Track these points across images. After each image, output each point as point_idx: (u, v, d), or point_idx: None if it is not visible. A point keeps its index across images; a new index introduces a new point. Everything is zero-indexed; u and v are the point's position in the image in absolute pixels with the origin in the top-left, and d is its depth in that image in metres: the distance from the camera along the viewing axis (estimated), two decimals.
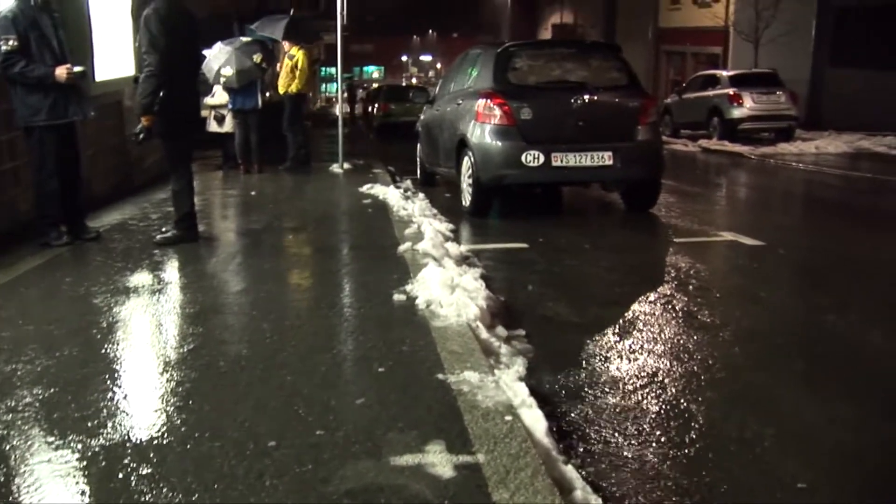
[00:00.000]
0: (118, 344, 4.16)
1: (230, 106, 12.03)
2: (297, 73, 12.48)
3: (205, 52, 11.89)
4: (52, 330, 4.38)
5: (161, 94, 6.19)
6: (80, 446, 2.94)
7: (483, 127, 8.49)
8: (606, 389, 3.87)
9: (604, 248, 7.40)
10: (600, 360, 4.31)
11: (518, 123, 8.35)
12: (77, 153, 6.81)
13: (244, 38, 12.17)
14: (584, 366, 4.20)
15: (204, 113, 12.83)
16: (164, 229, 6.91)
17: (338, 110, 13.09)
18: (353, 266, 6.04)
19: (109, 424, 3.13)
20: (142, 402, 3.38)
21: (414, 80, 72.02)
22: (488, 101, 8.47)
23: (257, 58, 11.49)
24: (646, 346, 4.51)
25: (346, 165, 12.65)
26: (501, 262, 6.67)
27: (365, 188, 9.98)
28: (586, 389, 3.86)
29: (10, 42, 6.12)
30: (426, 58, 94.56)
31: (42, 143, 6.41)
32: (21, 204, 7.19)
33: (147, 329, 4.50)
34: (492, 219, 8.81)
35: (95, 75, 8.81)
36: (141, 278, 5.57)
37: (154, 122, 6.28)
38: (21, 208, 7.18)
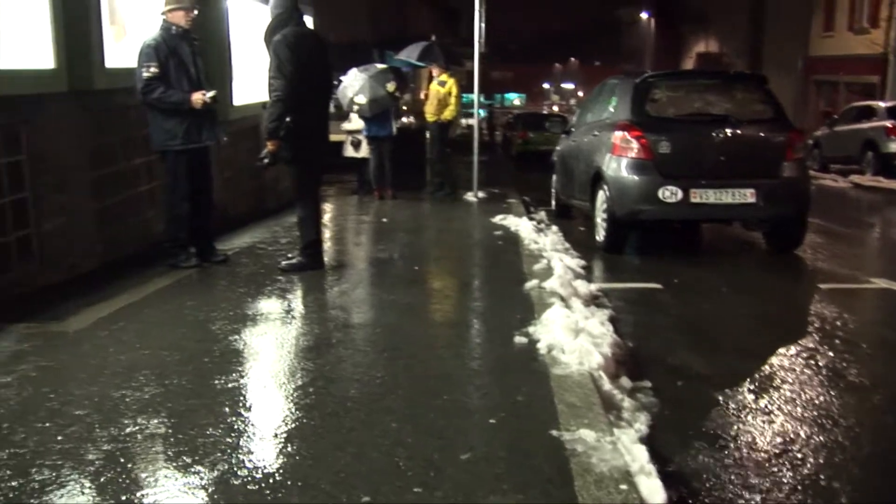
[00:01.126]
0: (227, 376, 4.09)
1: (364, 132, 12.15)
2: (452, 99, 12.46)
3: (341, 78, 12.17)
4: (166, 356, 4.38)
5: (288, 119, 6.24)
6: (167, 485, 2.87)
7: (619, 160, 8.21)
8: (736, 456, 3.52)
9: (742, 291, 6.96)
10: (731, 420, 3.95)
11: (655, 157, 8.02)
12: (209, 177, 6.96)
13: (380, 66, 12.25)
14: (712, 426, 3.86)
15: (340, 138, 13.08)
16: (289, 255, 6.94)
17: (474, 138, 13.01)
18: (477, 303, 5.84)
19: (202, 465, 3.03)
20: (239, 443, 3.27)
21: (555, 108, 71.75)
22: (625, 133, 8.19)
23: (391, 86, 11.54)
24: (783, 406, 4.12)
25: (480, 194, 12.55)
26: (632, 304, 6.36)
27: (497, 219, 9.83)
28: (713, 454, 3.53)
29: (151, 69, 6.30)
30: (568, 85, 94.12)
31: (175, 166, 6.56)
32: (156, 225, 7.38)
33: (259, 361, 4.43)
34: (626, 255, 8.49)
35: (234, 100, 9.06)
36: (261, 306, 5.56)
37: (280, 147, 6.34)
38: (156, 229, 7.37)
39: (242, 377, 4.12)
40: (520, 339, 4.63)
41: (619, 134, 8.25)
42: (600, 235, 8.66)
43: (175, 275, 6.49)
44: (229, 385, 3.98)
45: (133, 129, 7.00)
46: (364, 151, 12.42)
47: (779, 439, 3.71)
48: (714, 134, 8.03)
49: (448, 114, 12.57)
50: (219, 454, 3.15)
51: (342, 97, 11.70)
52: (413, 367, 4.22)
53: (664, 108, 8.43)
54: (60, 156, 6.29)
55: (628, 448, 3.13)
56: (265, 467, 3.03)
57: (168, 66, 6.38)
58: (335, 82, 9.80)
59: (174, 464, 3.06)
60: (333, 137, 14.48)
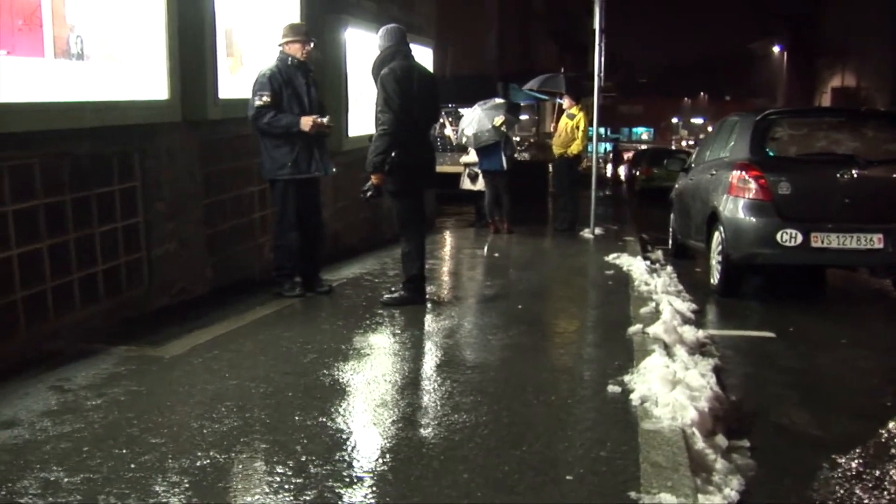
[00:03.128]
0: (307, 412, 4.05)
1: (479, 166, 12.17)
2: (579, 133, 12.29)
3: (462, 111, 12.28)
4: (251, 388, 4.38)
5: (393, 154, 6.23)
6: None
7: (736, 201, 7.84)
8: None
9: (865, 345, 6.47)
10: (837, 491, 3.63)
11: (775, 198, 7.62)
12: (318, 208, 7.01)
13: (498, 100, 12.22)
14: (814, 497, 3.56)
15: (458, 170, 13.23)
16: (392, 289, 6.92)
17: (592, 173, 12.77)
18: (575, 345, 5.64)
19: None
20: (304, 485, 3.21)
21: (683, 143, 70.34)
22: (743, 172, 7.83)
23: (497, 121, 11.44)
24: None
25: (597, 230, 12.27)
26: (741, 353, 6.02)
27: (611, 257, 9.55)
28: None
29: (264, 98, 6.40)
30: (697, 120, 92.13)
31: (284, 195, 6.64)
32: (267, 252, 7.50)
33: (341, 398, 4.35)
34: (741, 300, 8.09)
35: (349, 131, 9.19)
36: (356, 340, 5.52)
37: (384, 180, 6.32)
38: (266, 257, 7.49)
39: (322, 415, 4.06)
40: (613, 389, 4.42)
41: (736, 173, 7.90)
42: (714, 278, 8.30)
43: (278, 304, 6.56)
44: (308, 422, 3.93)
45: (245, 157, 7.16)
46: (481, 184, 12.41)
47: None
48: (839, 175, 7.57)
49: (575, 147, 12.37)
50: (282, 495, 3.08)
51: (459, 129, 11.79)
52: (498, 414, 4.08)
53: (786, 146, 8.02)
54: (173, 183, 6.46)
55: None
56: None
57: (282, 95, 6.48)
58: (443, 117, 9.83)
59: (238, 501, 3.00)
60: (450, 169, 14.83)
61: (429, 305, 6.70)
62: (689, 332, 5.95)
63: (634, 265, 8.91)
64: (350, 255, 9.06)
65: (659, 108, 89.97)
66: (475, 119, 11.65)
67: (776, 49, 53.37)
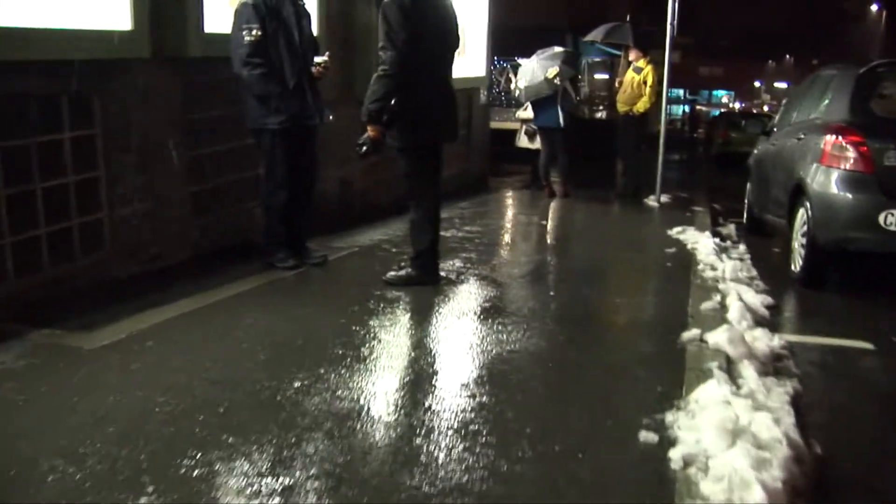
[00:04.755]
0: (203, 453, 2.92)
1: (533, 123, 11.05)
2: (647, 89, 10.94)
3: (521, 60, 11.11)
4: (156, 405, 3.29)
5: (394, 100, 5.03)
6: None
7: (829, 172, 6.42)
8: None
9: None
10: None
11: (878, 171, 6.17)
12: (313, 163, 5.89)
13: (557, 49, 10.88)
14: None
15: (515, 126, 12.32)
16: (401, 264, 5.74)
17: (661, 135, 11.31)
18: (608, 358, 4.28)
19: None
20: None
21: (766, 108, 67.56)
22: (839, 137, 6.39)
23: (551, 72, 10.21)
24: None
25: (664, 198, 10.87)
26: (830, 373, 4.67)
27: (675, 231, 8.20)
28: None
29: (254, 31, 5.33)
30: (781, 84, 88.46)
31: (272, 148, 5.58)
32: (259, 216, 6.41)
33: (262, 434, 3.20)
34: (828, 293, 6.69)
35: None
36: (326, 336, 4.33)
37: (382, 132, 5.14)
38: (260, 221, 6.40)
39: (221, 462, 2.87)
40: (647, 437, 3.11)
41: (831, 138, 6.46)
42: (796, 264, 6.92)
43: (262, 277, 5.53)
44: (196, 471, 2.77)
45: (241, 104, 6.00)
46: (538, 143, 11.27)
47: None
48: None
49: (641, 105, 11.05)
50: None
51: (514, 81, 10.98)
52: (468, 476, 2.84)
53: (895, 107, 6.55)
54: (145, 131, 5.42)
55: None
56: None
57: (266, 29, 5.36)
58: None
59: None
60: (506, 126, 13.60)
61: (441, 287, 5.52)
62: (762, 340, 4.66)
63: (701, 242, 7.58)
64: (375, 217, 7.95)
65: (740, 70, 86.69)
66: (529, 70, 10.60)
67: (874, 7, 50.17)
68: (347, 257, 6.40)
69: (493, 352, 4.21)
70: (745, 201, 10.02)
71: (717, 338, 4.32)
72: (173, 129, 5.67)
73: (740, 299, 5.46)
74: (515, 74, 11.28)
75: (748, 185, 9.86)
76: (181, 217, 5.84)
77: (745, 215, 10.06)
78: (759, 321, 5.27)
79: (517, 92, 10.84)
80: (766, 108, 66.71)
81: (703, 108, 56.15)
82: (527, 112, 11.31)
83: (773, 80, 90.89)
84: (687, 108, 47.49)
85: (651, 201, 10.80)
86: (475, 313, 4.97)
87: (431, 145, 5.46)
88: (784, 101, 9.98)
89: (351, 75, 7.91)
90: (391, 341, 4.37)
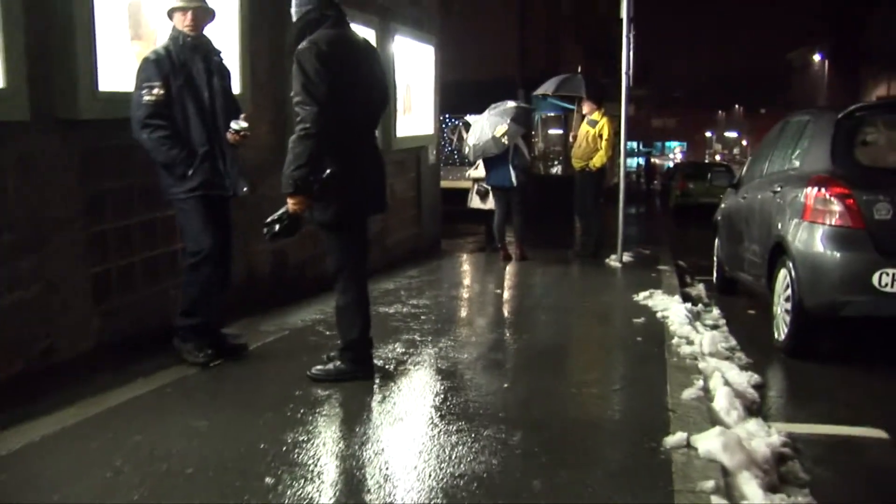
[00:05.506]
0: None
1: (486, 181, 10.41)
2: (602, 143, 10.20)
3: (472, 117, 10.49)
4: None
5: (329, 171, 4.26)
6: None
7: (813, 228, 5.71)
8: None
9: None
10: None
11: (869, 225, 5.49)
12: (228, 240, 5.06)
13: (509, 104, 10.22)
14: None
15: (468, 185, 11.70)
16: (330, 354, 4.87)
17: (620, 189, 10.59)
18: (574, 486, 3.31)
19: None
20: None
21: (717, 158, 68.34)
22: (822, 189, 5.70)
23: (499, 131, 9.56)
24: None
25: (625, 257, 10.12)
26: (844, 476, 3.85)
27: (642, 296, 7.40)
28: None
29: (155, 90, 4.58)
30: (731, 134, 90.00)
31: (187, 220, 4.86)
32: (175, 298, 5.53)
33: None
34: (819, 365, 5.90)
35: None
36: (240, 452, 3.48)
37: (306, 205, 4.33)
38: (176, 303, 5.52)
39: None
40: None
41: (812, 191, 5.77)
42: (780, 331, 6.18)
43: (166, 375, 4.73)
44: None
45: (153, 173, 5.13)
46: (491, 203, 10.60)
47: None
48: None
49: (598, 160, 10.28)
50: None
51: (465, 138, 10.40)
52: None
53: (882, 154, 5.90)
54: (30, 206, 4.53)
55: None
56: None
57: (171, 87, 4.63)
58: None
59: None
60: (459, 185, 12.94)
61: (376, 382, 4.68)
62: (760, 438, 3.88)
63: (672, 309, 6.81)
64: (312, 293, 7.11)
65: (692, 121, 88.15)
66: (479, 128, 9.97)
67: (817, 57, 50.86)
68: (273, 344, 5.58)
69: (433, 477, 3.34)
70: (715, 259, 9.34)
71: (709, 445, 3.50)
72: (69, 202, 4.80)
73: (725, 382, 4.69)
74: (467, 131, 10.59)
75: (717, 242, 9.19)
76: (79, 303, 4.93)
77: (714, 274, 9.37)
78: (749, 407, 4.54)
79: (467, 150, 10.19)
80: (717, 158, 67.51)
81: (657, 161, 56.52)
82: (478, 171, 10.69)
83: (723, 130, 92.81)
84: (642, 161, 47.60)
85: (613, 261, 10.07)
86: (414, 419, 4.10)
87: (362, 220, 4.65)
88: (752, 153, 9.36)
89: (285, 136, 7.10)
90: (305, 465, 3.47)
